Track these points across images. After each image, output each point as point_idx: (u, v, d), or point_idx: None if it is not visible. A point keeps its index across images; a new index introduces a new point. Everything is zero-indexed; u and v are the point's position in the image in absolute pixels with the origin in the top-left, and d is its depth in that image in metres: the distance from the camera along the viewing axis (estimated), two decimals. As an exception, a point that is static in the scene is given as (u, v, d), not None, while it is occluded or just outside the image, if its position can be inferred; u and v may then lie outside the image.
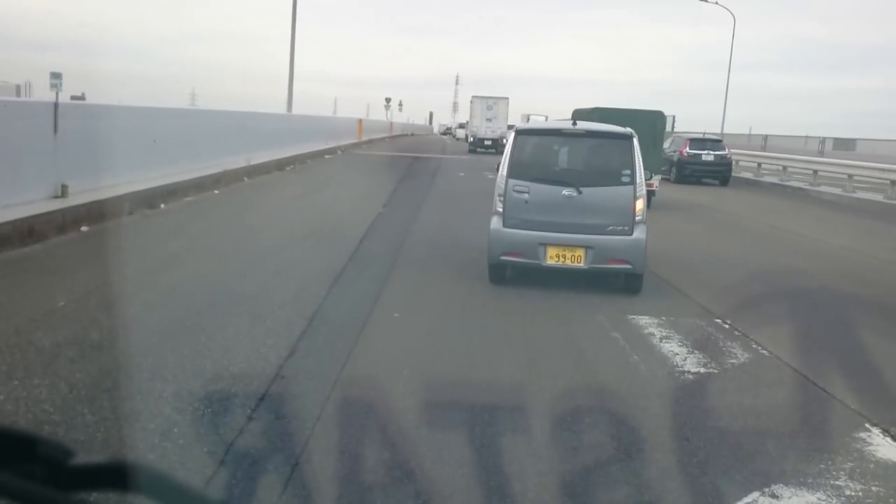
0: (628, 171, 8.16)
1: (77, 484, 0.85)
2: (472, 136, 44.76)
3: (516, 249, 8.09)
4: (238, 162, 18.37)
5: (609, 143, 8.74)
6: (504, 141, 35.28)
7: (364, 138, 48.54)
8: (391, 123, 73.83)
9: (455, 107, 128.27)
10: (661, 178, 18.12)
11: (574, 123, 8.83)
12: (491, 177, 14.18)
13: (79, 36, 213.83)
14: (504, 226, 8.17)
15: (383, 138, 60.20)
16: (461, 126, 69.17)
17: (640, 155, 8.29)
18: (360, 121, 49.61)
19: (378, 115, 79.53)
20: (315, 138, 31.02)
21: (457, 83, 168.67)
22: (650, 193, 13.42)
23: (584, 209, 8.09)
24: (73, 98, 45.61)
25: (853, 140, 41.49)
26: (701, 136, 28.23)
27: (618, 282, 8.29)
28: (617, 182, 8.21)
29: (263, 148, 21.59)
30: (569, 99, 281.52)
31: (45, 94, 12.13)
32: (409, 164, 28.72)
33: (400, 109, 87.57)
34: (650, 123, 16.37)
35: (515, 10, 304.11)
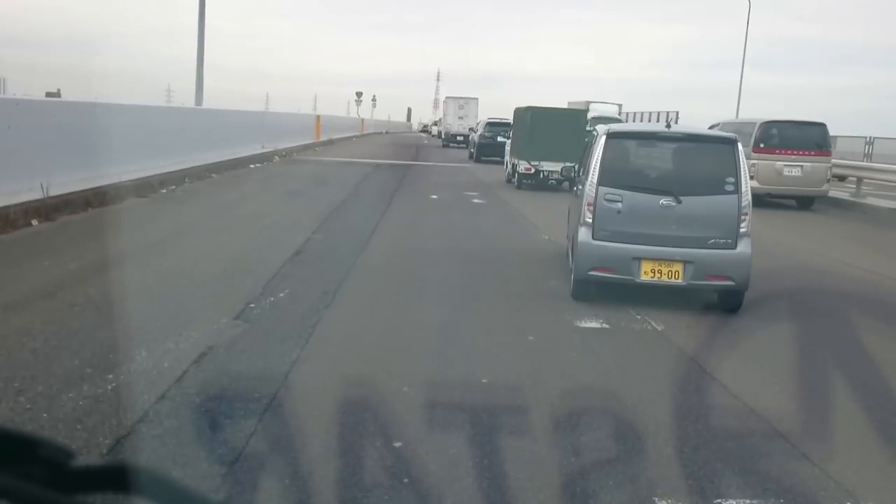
0: (732, 179, 7.54)
1: (78, 486, 0.84)
2: (445, 132, 47.72)
3: (607, 264, 7.45)
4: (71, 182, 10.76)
5: (710, 148, 8.15)
6: (472, 136, 34.25)
7: (323, 138, 40.59)
8: (362, 121, 66.59)
9: (436, 103, 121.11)
10: None
11: (668, 126, 8.61)
12: (477, 201, 13.45)
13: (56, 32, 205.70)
14: (594, 238, 7.51)
15: (350, 138, 52.41)
16: (435, 124, 68.97)
17: (745, 161, 7.79)
18: (318, 117, 41.56)
19: (363, 112, 72.81)
20: (241, 141, 23.12)
21: (438, 80, 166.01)
22: (572, 181, 14.84)
23: (684, 220, 7.48)
24: (47, 94, 34.17)
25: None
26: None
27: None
28: (719, 191, 7.58)
29: (134, 157, 13.76)
30: (552, 96, 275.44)
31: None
32: (363, 178, 20.82)
33: (373, 105, 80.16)
34: (575, 121, 19.88)
35: (499, 8, 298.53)
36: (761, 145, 17.33)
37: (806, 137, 17.58)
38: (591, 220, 7.54)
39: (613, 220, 7.52)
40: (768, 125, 17.87)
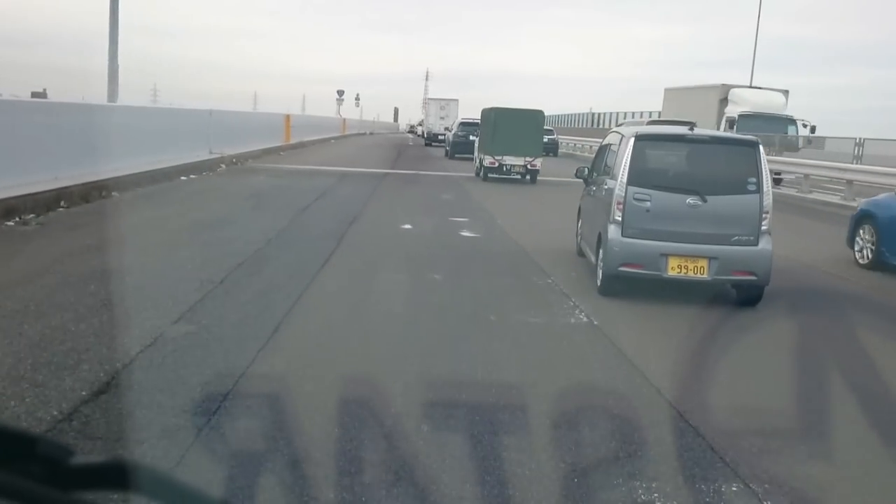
0: (754, 180, 7.97)
1: (77, 483, 0.83)
2: (427, 132, 50.20)
3: (636, 260, 7.84)
4: None
5: (733, 150, 8.52)
6: (448, 135, 36.97)
7: (293, 141, 36.24)
8: (344, 121, 62.34)
9: (425, 103, 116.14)
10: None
11: (691, 129, 8.87)
12: (467, 234, 12.01)
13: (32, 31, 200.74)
14: (623, 235, 7.90)
15: (328, 140, 48.06)
16: (420, 124, 70.12)
17: (766, 162, 8.19)
18: (288, 117, 37.14)
19: (347, 111, 69.14)
20: (178, 145, 18.80)
21: (427, 79, 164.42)
22: (534, 172, 22.18)
23: (709, 218, 7.90)
24: (33, 94, 33.10)
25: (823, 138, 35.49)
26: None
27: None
28: (742, 190, 8.01)
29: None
30: (538, 96, 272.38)
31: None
32: (318, 196, 16.13)
33: (357, 104, 75.72)
34: (534, 119, 22.94)
35: (489, 7, 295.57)
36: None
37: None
38: (620, 219, 7.91)
39: (642, 218, 7.88)
40: (654, 121, 25.70)
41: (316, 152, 34.15)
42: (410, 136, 71.14)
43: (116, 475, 0.83)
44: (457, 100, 50.93)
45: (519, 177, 22.45)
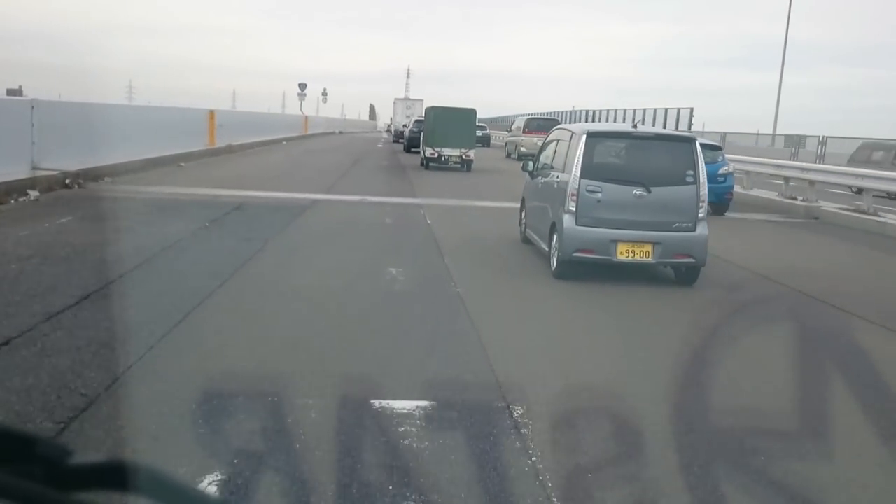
0: (692, 172, 8.96)
1: (76, 484, 0.83)
2: (395, 130, 52.51)
3: (588, 246, 8.79)
4: None
5: (673, 146, 9.48)
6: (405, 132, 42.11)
7: (219, 144, 27.96)
8: (306, 118, 54.26)
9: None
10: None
11: (634, 126, 10.17)
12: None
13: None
14: (577, 224, 8.83)
15: (279, 141, 40.43)
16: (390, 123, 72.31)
17: (702, 156, 9.16)
18: (212, 114, 28.60)
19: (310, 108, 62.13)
20: None
21: (408, 77, 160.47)
22: (469, 161, 26.61)
23: (653, 207, 8.83)
24: (9, 92, 32.42)
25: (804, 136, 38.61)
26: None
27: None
28: (682, 182, 8.98)
29: None
30: (522, 96, 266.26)
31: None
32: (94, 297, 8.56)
33: (324, 100, 67.37)
34: (468, 116, 27.47)
35: (472, 6, 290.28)
36: (527, 129, 36.77)
37: (548, 125, 25.88)
38: (574, 209, 8.89)
39: (594, 208, 8.88)
40: (529, 119, 39.74)
41: (240, 161, 26.84)
42: (386, 135, 65.63)
43: (116, 476, 0.83)
44: (421, 100, 53.22)
45: (458, 166, 26.89)
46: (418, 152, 29.86)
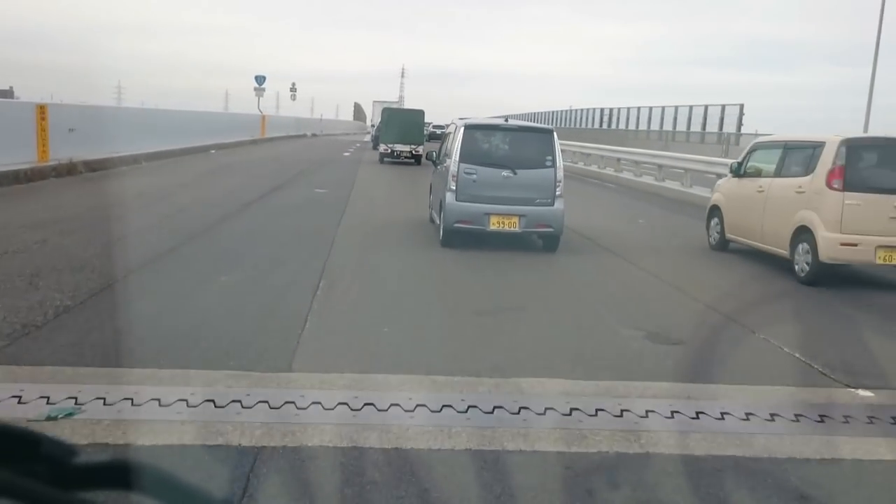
0: (550, 157, 10.80)
1: (80, 483, 0.83)
2: (374, 133, 55.74)
3: (467, 218, 10.56)
4: None
5: (536, 136, 11.35)
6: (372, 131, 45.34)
7: (53, 161, 15.93)
8: (264, 118, 47.41)
9: (401, 101, 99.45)
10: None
11: (506, 120, 11.74)
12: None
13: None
14: (457, 200, 10.60)
15: (209, 149, 29.66)
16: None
17: (559, 145, 11.10)
18: (42, 108, 17.40)
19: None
20: None
21: (402, 76, 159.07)
22: (418, 156, 28.83)
23: (518, 186, 10.61)
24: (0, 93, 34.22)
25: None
26: None
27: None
28: (542, 165, 10.80)
29: None
30: (518, 94, 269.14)
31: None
32: None
33: (293, 97, 63.96)
34: (417, 116, 30.82)
35: (465, 5, 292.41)
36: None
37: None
38: (454, 188, 10.67)
39: (470, 187, 10.63)
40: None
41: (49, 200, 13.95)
42: (367, 137, 58.86)
43: (120, 475, 0.83)
44: (401, 102, 55.53)
45: (410, 160, 29.50)
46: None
